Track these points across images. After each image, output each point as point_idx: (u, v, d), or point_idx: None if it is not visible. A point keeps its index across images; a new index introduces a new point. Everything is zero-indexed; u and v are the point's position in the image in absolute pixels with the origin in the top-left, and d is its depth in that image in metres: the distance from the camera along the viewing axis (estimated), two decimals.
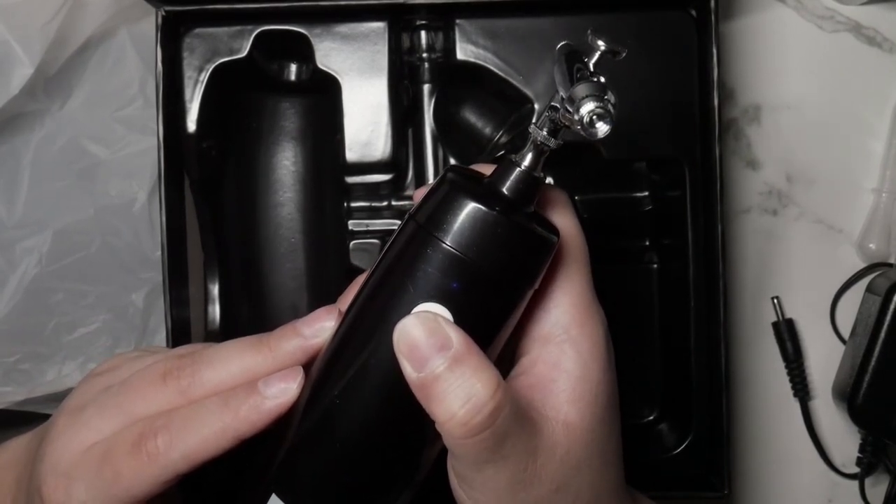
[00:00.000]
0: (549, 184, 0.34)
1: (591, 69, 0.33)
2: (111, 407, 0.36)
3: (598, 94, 0.31)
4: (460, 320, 0.33)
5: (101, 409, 0.36)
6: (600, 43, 0.32)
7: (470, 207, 0.32)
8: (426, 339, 0.32)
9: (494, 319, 0.34)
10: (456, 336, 0.32)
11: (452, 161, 0.56)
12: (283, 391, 0.35)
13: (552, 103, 0.33)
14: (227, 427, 0.34)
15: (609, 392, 0.36)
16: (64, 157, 0.59)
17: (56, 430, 0.36)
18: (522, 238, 0.33)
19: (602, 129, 0.31)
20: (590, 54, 0.33)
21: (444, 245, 0.32)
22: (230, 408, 0.34)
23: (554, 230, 0.34)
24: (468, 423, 0.32)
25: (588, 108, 0.31)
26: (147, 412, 0.35)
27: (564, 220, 0.36)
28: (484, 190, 0.34)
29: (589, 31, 0.33)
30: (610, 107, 0.31)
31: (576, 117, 0.31)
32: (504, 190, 0.34)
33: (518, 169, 0.34)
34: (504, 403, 0.32)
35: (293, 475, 0.35)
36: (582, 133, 0.31)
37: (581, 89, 0.31)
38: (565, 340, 0.35)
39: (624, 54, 0.33)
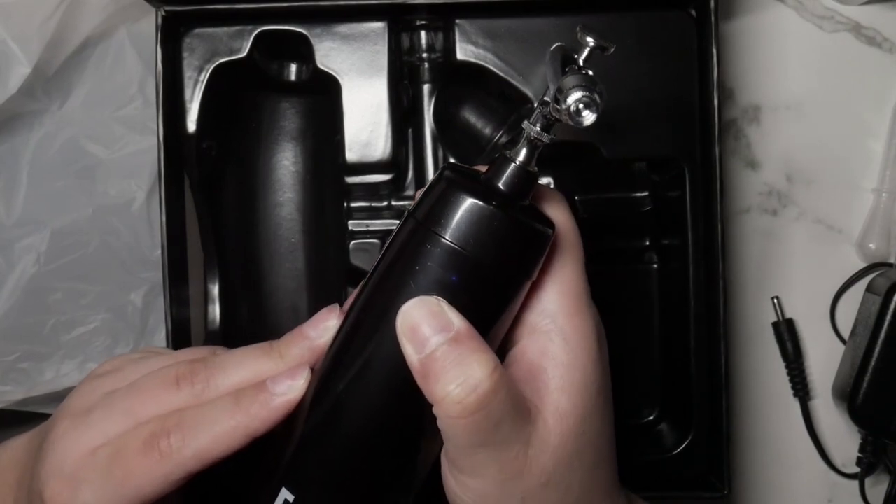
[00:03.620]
0: (544, 184, 0.35)
1: (581, 64, 0.33)
2: (120, 410, 0.36)
3: (585, 84, 0.32)
4: (460, 313, 0.33)
5: (108, 412, 0.36)
6: (589, 39, 0.33)
7: (467, 202, 0.33)
8: (428, 320, 0.33)
9: (493, 311, 0.34)
10: (457, 319, 0.33)
11: (452, 161, 0.56)
12: (291, 388, 0.35)
13: (544, 99, 0.33)
14: (239, 425, 0.35)
15: (600, 384, 0.36)
16: (63, 156, 0.59)
17: (58, 433, 0.36)
18: (519, 231, 0.33)
19: (588, 117, 0.31)
20: (580, 51, 0.33)
21: (443, 240, 0.33)
22: (241, 406, 0.35)
23: (549, 223, 0.35)
24: (462, 402, 0.32)
25: (575, 96, 0.31)
26: (158, 415, 0.36)
27: (558, 213, 0.36)
28: (480, 185, 0.34)
29: (578, 28, 0.34)
30: (596, 96, 0.31)
31: (562, 107, 0.32)
32: (500, 185, 0.34)
33: (513, 164, 0.34)
34: (500, 387, 0.33)
35: (302, 469, 0.36)
36: (570, 122, 0.32)
37: (569, 80, 0.32)
38: (553, 329, 0.35)
39: (612, 49, 0.34)
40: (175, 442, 0.35)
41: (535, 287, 0.35)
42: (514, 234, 0.33)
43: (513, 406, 0.33)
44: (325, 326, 0.37)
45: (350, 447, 0.35)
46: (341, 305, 0.38)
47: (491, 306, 0.34)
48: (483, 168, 0.36)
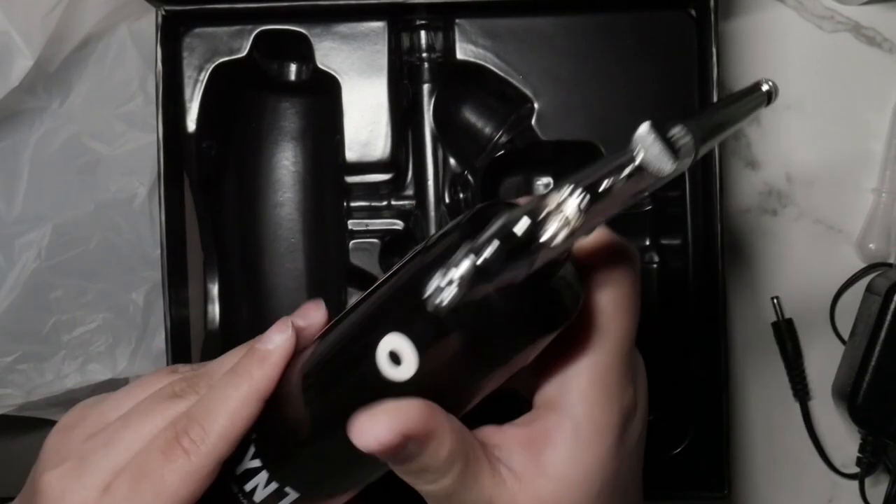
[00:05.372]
0: (617, 241, 0.31)
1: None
2: (122, 438, 0.35)
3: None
4: (423, 371, 0.30)
5: (110, 446, 0.35)
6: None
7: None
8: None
9: (465, 383, 0.32)
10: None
11: (452, 161, 0.56)
12: (283, 339, 0.35)
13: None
14: (249, 391, 0.34)
15: (605, 481, 0.33)
16: (64, 153, 0.59)
17: (54, 491, 0.34)
18: (512, 316, 0.30)
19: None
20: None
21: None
22: (243, 376, 0.34)
23: (564, 307, 0.31)
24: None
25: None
26: (165, 426, 0.35)
27: (611, 294, 0.33)
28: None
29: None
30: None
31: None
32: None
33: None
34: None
35: (272, 439, 0.35)
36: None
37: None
38: (568, 417, 0.33)
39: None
40: (196, 434, 0.34)
41: (571, 359, 0.33)
42: (504, 317, 0.29)
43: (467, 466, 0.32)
44: (308, 315, 0.36)
45: (313, 435, 0.34)
46: (341, 306, 0.37)
47: (463, 380, 0.31)
48: (525, 200, 0.31)
